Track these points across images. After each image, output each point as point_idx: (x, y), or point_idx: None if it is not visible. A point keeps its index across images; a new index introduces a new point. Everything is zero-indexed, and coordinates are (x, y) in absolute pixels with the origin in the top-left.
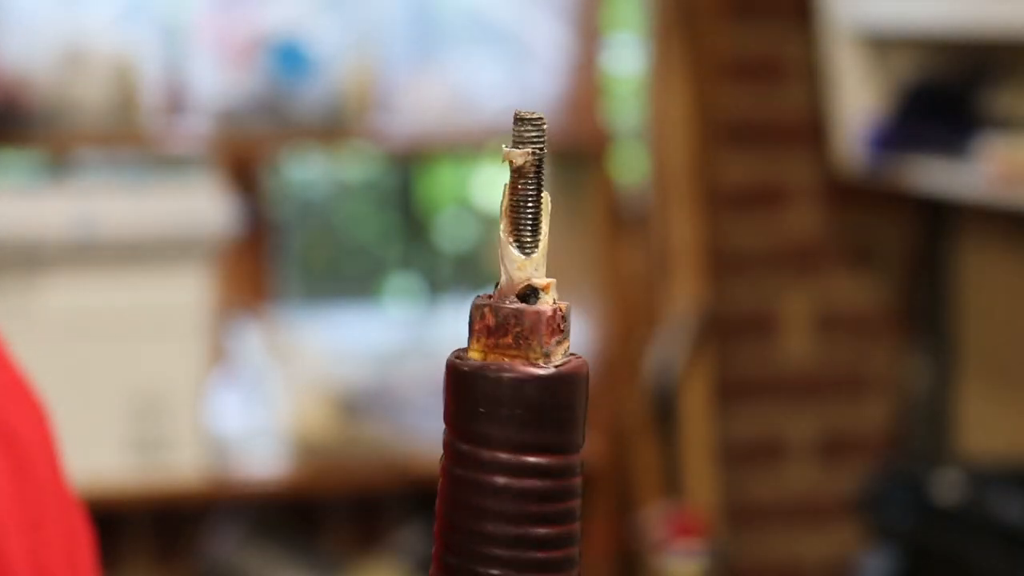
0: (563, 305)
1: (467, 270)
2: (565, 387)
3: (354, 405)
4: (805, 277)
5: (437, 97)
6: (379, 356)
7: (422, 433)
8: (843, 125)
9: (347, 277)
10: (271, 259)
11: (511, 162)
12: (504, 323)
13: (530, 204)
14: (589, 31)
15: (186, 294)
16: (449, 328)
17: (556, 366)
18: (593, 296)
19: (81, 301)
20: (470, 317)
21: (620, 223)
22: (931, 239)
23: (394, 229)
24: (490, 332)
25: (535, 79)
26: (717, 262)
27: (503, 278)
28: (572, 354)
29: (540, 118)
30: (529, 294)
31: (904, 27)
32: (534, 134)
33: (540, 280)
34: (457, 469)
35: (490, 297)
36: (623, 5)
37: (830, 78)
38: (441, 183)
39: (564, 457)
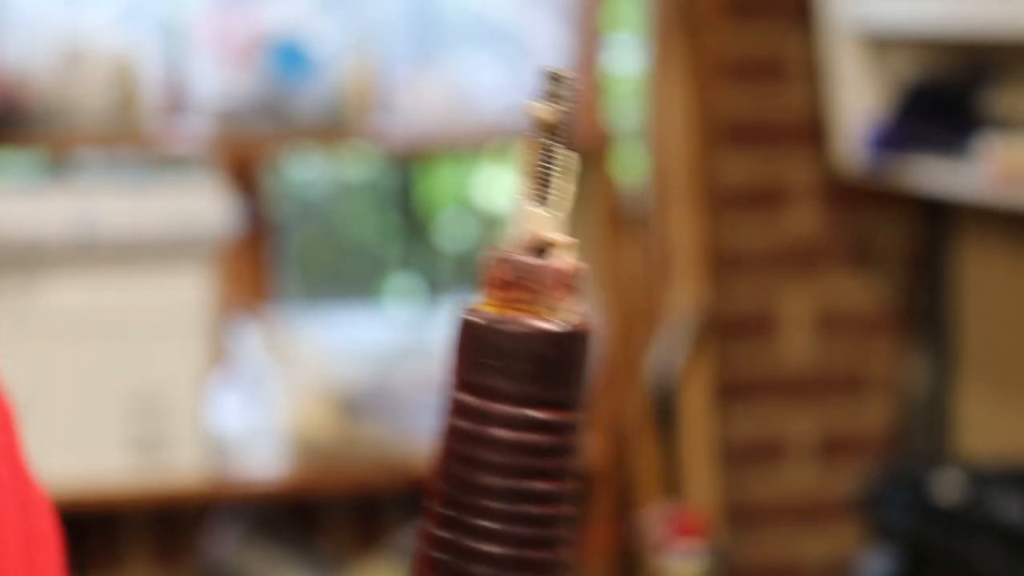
0: (579, 264)
1: (467, 270)
2: (574, 344)
3: (354, 405)
4: (805, 277)
5: (437, 97)
6: (379, 356)
7: (422, 433)
8: (843, 125)
9: (347, 277)
10: (271, 259)
11: (539, 118)
12: (519, 278)
13: (553, 160)
14: (589, 31)
15: (186, 294)
16: (449, 328)
17: (566, 323)
18: (593, 296)
19: (81, 301)
20: (483, 272)
21: (620, 223)
22: (931, 239)
23: (394, 229)
24: (504, 286)
25: (535, 79)
26: (717, 262)
27: (520, 233)
28: (580, 313)
29: (573, 77)
30: (543, 249)
31: (904, 27)
32: (565, 92)
33: (556, 236)
34: (461, 422)
35: (502, 253)
36: (623, 5)
37: (830, 78)
38: (441, 183)
39: (567, 413)
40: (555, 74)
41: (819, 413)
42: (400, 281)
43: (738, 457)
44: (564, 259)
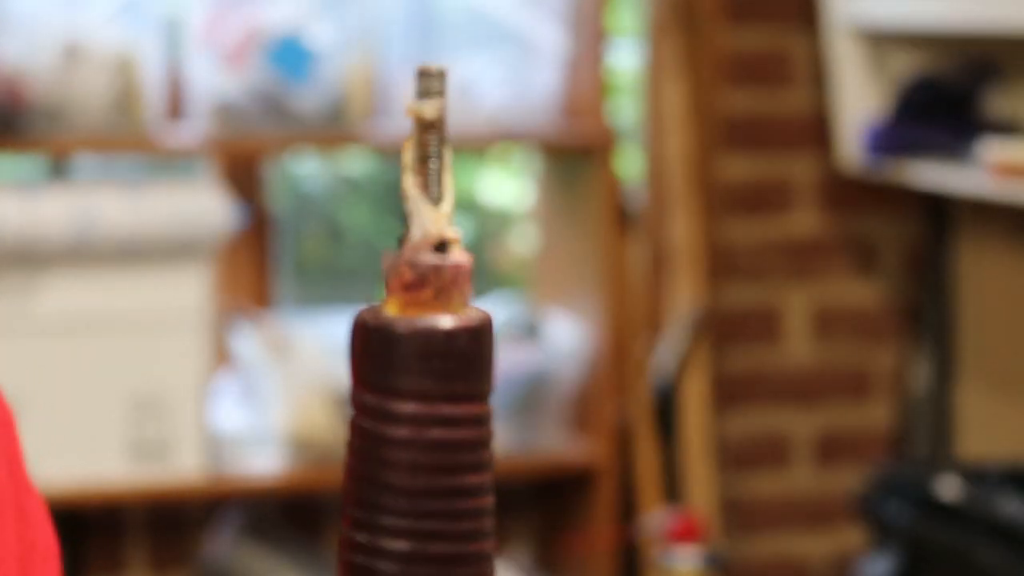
0: (471, 258)
1: None
2: (487, 336)
3: None
4: (805, 277)
5: None
6: None
7: None
8: (844, 124)
9: (347, 277)
10: (271, 259)
11: (419, 116)
12: (423, 277)
13: (438, 156)
14: (590, 30)
15: (186, 294)
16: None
17: (470, 317)
18: (595, 296)
19: (81, 301)
20: (385, 274)
21: (624, 223)
22: (932, 239)
23: (394, 229)
24: (407, 287)
25: (536, 78)
26: (717, 262)
27: (415, 232)
28: (477, 307)
29: (443, 71)
30: (441, 247)
31: (906, 26)
32: (439, 87)
33: (452, 233)
34: (368, 423)
35: (400, 253)
36: (623, 5)
37: (831, 77)
38: None
39: (481, 406)
40: (427, 70)
41: (819, 413)
42: None
43: (738, 457)
44: (460, 254)
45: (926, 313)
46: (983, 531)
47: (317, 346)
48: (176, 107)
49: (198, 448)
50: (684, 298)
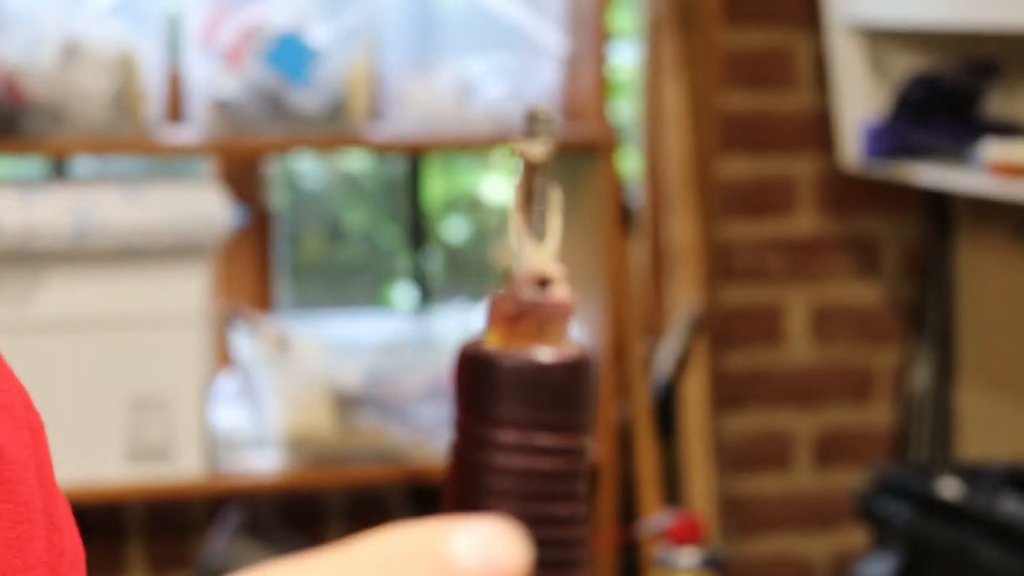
0: (573, 294)
1: (467, 270)
2: (584, 370)
3: (353, 404)
4: (806, 277)
5: (437, 97)
6: (379, 356)
7: (421, 433)
8: (844, 124)
9: (347, 277)
10: (271, 259)
11: (526, 157)
12: (523, 312)
13: (544, 196)
14: (590, 30)
15: (186, 294)
16: (448, 328)
17: (572, 351)
18: (595, 296)
19: (81, 301)
20: (488, 308)
21: (625, 223)
22: (932, 239)
23: (394, 229)
24: (509, 321)
25: (537, 78)
26: (717, 262)
27: (518, 268)
28: (578, 343)
29: (551, 114)
30: (544, 284)
31: (906, 26)
32: (547, 129)
33: (554, 271)
34: (474, 453)
35: (505, 289)
36: (623, 4)
37: (831, 77)
38: (441, 183)
39: (580, 437)
40: (536, 114)
41: (819, 413)
42: (400, 281)
43: (738, 457)
44: (561, 291)
45: (927, 313)
46: (983, 531)
47: (316, 346)
48: (176, 107)
49: (198, 448)
50: (684, 298)
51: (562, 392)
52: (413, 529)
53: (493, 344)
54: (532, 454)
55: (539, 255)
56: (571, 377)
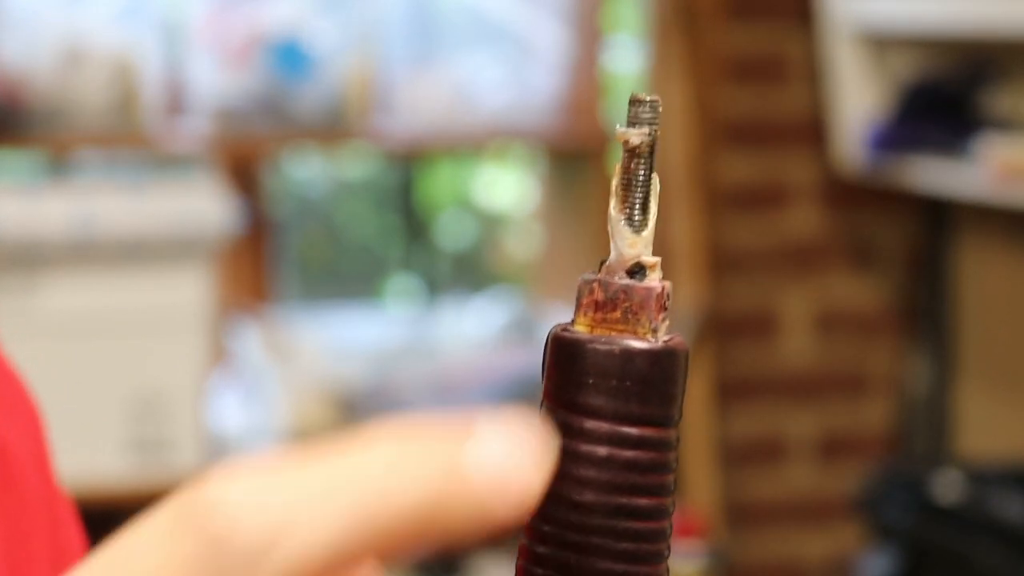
0: (668, 284)
1: (467, 270)
2: (673, 361)
3: (353, 405)
4: (805, 277)
5: (437, 97)
6: (379, 356)
7: None
8: (843, 125)
9: (347, 277)
10: (271, 259)
11: (626, 142)
12: (614, 298)
13: (642, 183)
14: (590, 30)
15: (186, 294)
16: (449, 328)
17: (664, 341)
18: None
19: (81, 301)
20: (578, 292)
21: None
22: (931, 239)
23: (394, 229)
24: (598, 307)
25: (535, 79)
26: (717, 262)
27: (613, 255)
28: (673, 332)
29: (655, 100)
30: (637, 271)
31: (905, 26)
32: (649, 115)
33: (649, 258)
34: (558, 439)
35: (597, 273)
36: (623, 5)
37: (830, 78)
38: (441, 183)
39: (666, 430)
40: (638, 98)
41: (819, 413)
42: (400, 281)
43: (738, 457)
44: (654, 279)
45: (925, 312)
46: (983, 531)
47: (317, 345)
48: (176, 108)
49: (198, 447)
50: (684, 298)
51: (648, 382)
52: (429, 424)
53: (580, 329)
54: (615, 444)
55: (633, 242)
56: (659, 367)
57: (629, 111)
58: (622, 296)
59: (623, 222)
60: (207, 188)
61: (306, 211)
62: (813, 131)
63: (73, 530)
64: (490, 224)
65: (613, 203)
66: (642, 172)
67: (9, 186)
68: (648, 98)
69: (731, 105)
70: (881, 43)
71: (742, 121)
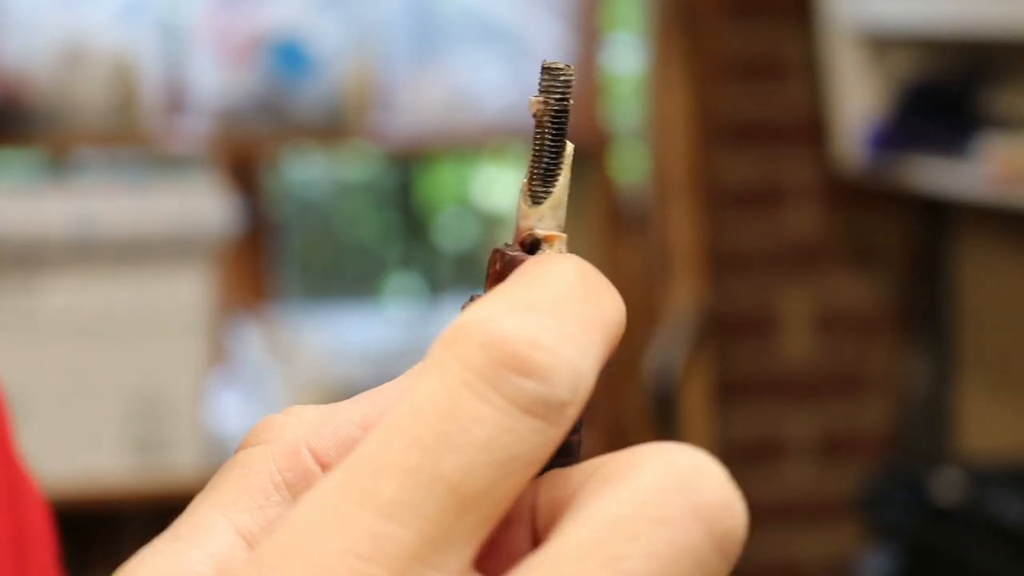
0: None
1: (467, 270)
2: None
3: None
4: (805, 277)
5: (437, 97)
6: (379, 356)
7: None
8: (843, 125)
9: (347, 277)
10: (271, 259)
11: (535, 111)
12: (507, 271)
13: (543, 154)
14: (589, 30)
15: (186, 294)
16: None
17: None
18: None
19: (81, 301)
20: (488, 262)
21: (620, 223)
22: (931, 239)
23: (394, 229)
24: (497, 277)
25: (535, 78)
26: (717, 262)
27: (516, 227)
28: None
29: (563, 67)
30: (532, 244)
31: (904, 27)
32: (560, 84)
33: (542, 231)
34: None
35: (508, 244)
36: (623, 4)
37: (830, 77)
38: (441, 183)
39: None
40: (550, 67)
41: (819, 413)
42: (400, 281)
43: (738, 456)
44: (553, 254)
45: (925, 312)
46: (982, 530)
47: (317, 345)
48: (176, 107)
49: (198, 447)
50: (684, 298)
51: None
52: (664, 457)
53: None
54: None
55: (528, 213)
56: None
57: (540, 79)
58: (510, 269)
59: (524, 193)
60: (207, 188)
61: (306, 211)
62: (813, 131)
63: (37, 509)
64: (490, 224)
65: (522, 176)
66: (544, 142)
67: (9, 186)
68: (559, 65)
69: (731, 105)
70: (881, 43)
71: (742, 121)
